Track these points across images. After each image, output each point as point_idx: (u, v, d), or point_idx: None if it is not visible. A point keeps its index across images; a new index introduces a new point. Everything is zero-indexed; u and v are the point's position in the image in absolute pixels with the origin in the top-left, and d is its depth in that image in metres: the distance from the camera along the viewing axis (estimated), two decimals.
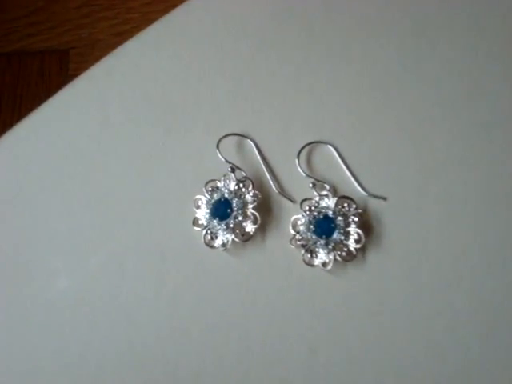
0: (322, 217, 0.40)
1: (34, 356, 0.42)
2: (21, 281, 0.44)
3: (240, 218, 0.41)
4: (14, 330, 0.43)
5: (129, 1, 0.64)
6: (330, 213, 0.40)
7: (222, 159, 0.43)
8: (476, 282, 0.39)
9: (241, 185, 0.42)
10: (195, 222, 0.43)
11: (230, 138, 0.44)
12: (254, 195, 0.42)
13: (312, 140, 0.43)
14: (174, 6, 0.50)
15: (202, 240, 0.42)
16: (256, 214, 0.41)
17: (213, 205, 0.42)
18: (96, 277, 0.43)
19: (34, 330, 0.43)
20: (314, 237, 0.40)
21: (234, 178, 0.42)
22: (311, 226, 0.40)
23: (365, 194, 0.41)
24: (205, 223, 0.42)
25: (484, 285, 0.38)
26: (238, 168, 0.43)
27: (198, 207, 0.43)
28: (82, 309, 0.43)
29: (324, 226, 0.40)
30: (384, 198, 0.41)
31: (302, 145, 0.43)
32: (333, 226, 0.40)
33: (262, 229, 0.42)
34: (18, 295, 0.44)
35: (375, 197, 0.41)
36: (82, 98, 0.47)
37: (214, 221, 0.42)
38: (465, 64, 0.42)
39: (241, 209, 0.41)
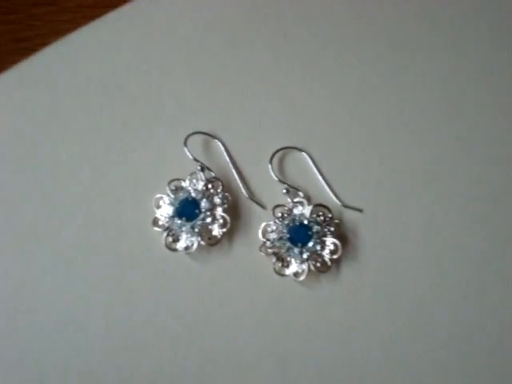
0: (297, 224, 0.38)
1: None
2: None
3: (208, 220, 0.38)
4: None
5: (33, 7, 0.60)
6: (306, 221, 0.38)
7: (190, 157, 0.40)
8: (453, 296, 0.37)
9: (209, 185, 0.39)
10: (155, 222, 0.39)
11: (196, 137, 0.41)
12: (224, 197, 0.39)
13: (283, 145, 0.40)
14: (84, 16, 0.47)
15: (163, 242, 0.38)
16: (226, 216, 0.38)
17: (179, 204, 0.38)
18: (38, 277, 0.38)
19: None
20: (287, 244, 0.37)
21: (202, 177, 0.39)
22: (285, 233, 0.38)
23: (340, 204, 0.39)
24: (166, 224, 0.38)
25: (462, 299, 0.37)
26: (207, 168, 0.39)
27: (159, 207, 0.39)
28: (20, 313, 0.38)
29: (300, 234, 0.38)
30: (360, 210, 0.39)
31: (272, 149, 0.40)
32: (309, 233, 0.37)
33: (230, 234, 0.39)
34: None
35: (351, 208, 0.39)
36: (27, 83, 0.43)
37: (178, 221, 0.38)
38: (443, 76, 0.41)
39: (209, 210, 0.38)
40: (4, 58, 0.57)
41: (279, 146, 0.40)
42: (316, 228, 0.38)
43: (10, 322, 0.38)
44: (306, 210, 0.38)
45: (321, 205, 0.39)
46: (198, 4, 0.44)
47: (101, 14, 0.45)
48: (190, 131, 0.41)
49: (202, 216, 0.38)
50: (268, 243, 0.38)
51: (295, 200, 0.39)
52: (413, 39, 0.42)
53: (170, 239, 0.38)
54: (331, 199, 0.39)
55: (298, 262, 0.37)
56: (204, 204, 0.38)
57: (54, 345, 0.37)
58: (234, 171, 0.40)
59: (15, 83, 0.43)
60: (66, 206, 0.40)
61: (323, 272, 0.37)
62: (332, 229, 0.38)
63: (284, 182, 0.39)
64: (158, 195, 0.39)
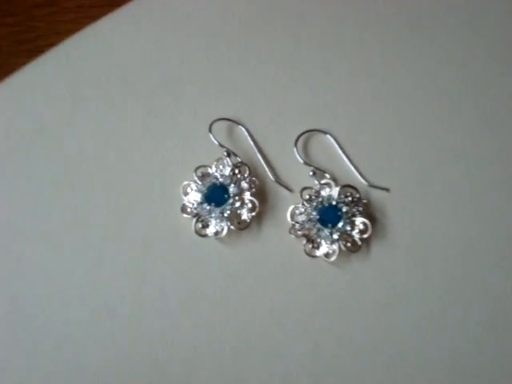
0: (326, 205, 0.38)
1: (3, 355, 0.37)
2: None
3: (237, 205, 0.38)
4: None
5: (33, 9, 0.60)
6: (334, 202, 0.38)
7: (216, 143, 0.40)
8: (483, 271, 0.38)
9: (236, 170, 0.39)
10: (184, 208, 0.39)
11: (219, 124, 0.41)
12: (251, 181, 0.39)
13: (307, 128, 0.40)
14: (86, 16, 0.47)
15: (192, 228, 0.38)
16: (254, 200, 0.38)
17: (207, 189, 0.38)
18: (70, 268, 0.39)
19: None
20: (317, 226, 0.38)
21: (229, 162, 0.39)
22: (314, 215, 0.38)
23: (367, 184, 0.39)
24: (195, 210, 0.39)
25: (492, 274, 0.37)
26: (233, 153, 0.40)
27: (187, 194, 0.39)
28: (54, 303, 0.38)
29: (330, 214, 0.38)
30: (387, 189, 0.39)
31: (295, 133, 0.40)
32: (339, 214, 0.38)
33: (258, 218, 0.39)
34: None
35: (378, 188, 0.39)
36: (49, 75, 0.43)
37: (207, 207, 0.38)
38: (465, 54, 0.41)
39: (237, 195, 0.38)
40: (7, 61, 0.57)
41: (302, 130, 0.40)
42: (345, 208, 0.38)
43: (45, 313, 0.38)
44: (334, 192, 0.38)
45: (348, 185, 0.39)
46: None
47: (102, 13, 0.45)
48: (213, 118, 0.41)
49: (230, 201, 0.38)
50: (297, 225, 0.38)
51: (322, 182, 0.39)
52: (435, 18, 0.42)
53: (200, 225, 0.38)
54: (357, 180, 0.39)
55: (328, 242, 0.38)
56: (232, 189, 0.38)
57: (89, 333, 0.38)
58: (259, 156, 0.40)
59: (36, 78, 0.43)
60: (94, 197, 0.40)
61: (354, 252, 0.38)
62: (360, 209, 0.38)
63: (310, 165, 0.39)
64: (186, 182, 0.39)
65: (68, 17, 0.58)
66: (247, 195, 0.38)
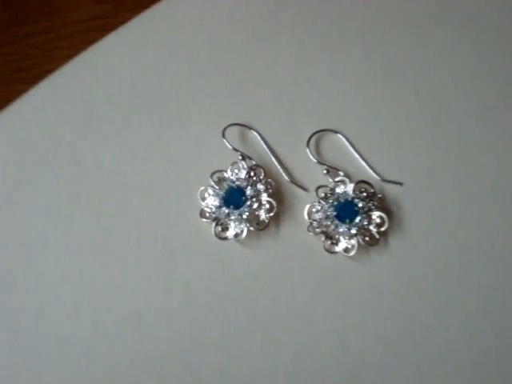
0: (343, 201, 0.39)
1: (34, 366, 0.38)
2: (9, 288, 0.39)
3: (255, 206, 0.39)
4: (8, 343, 0.38)
5: (29, 37, 0.61)
6: (350, 198, 0.39)
7: (230, 147, 0.41)
8: (500, 260, 0.38)
9: (252, 173, 0.40)
10: (202, 213, 0.40)
11: (231, 130, 0.42)
12: (267, 183, 0.40)
13: (317, 128, 0.41)
14: (82, 41, 0.48)
15: (212, 232, 0.39)
16: (272, 201, 0.39)
17: (225, 193, 0.39)
18: (95, 278, 0.39)
19: (29, 341, 0.38)
20: (335, 222, 0.38)
21: (244, 165, 0.40)
22: (331, 212, 0.38)
23: (380, 180, 0.40)
24: (213, 214, 0.39)
25: (509, 262, 0.38)
26: (248, 156, 0.40)
27: (204, 199, 0.40)
28: (81, 313, 0.39)
29: (347, 210, 0.38)
30: (400, 183, 0.40)
31: (306, 134, 0.41)
32: (356, 209, 0.38)
33: (276, 218, 0.40)
34: (6, 304, 0.39)
35: (391, 182, 0.40)
36: (60, 93, 0.44)
37: (226, 210, 0.39)
38: (471, 48, 0.42)
39: (255, 197, 0.39)
40: (8, 88, 0.58)
41: (313, 131, 0.41)
42: (361, 204, 0.38)
43: (72, 322, 0.38)
44: (349, 188, 0.39)
45: (362, 181, 0.39)
46: (220, 3, 0.45)
47: (97, 38, 0.46)
48: (225, 125, 0.41)
49: (248, 203, 0.39)
50: (315, 223, 0.39)
51: (336, 179, 0.40)
52: (439, 15, 0.43)
53: (220, 228, 0.39)
54: (370, 176, 0.40)
55: (346, 238, 0.38)
56: (249, 191, 0.39)
57: (116, 340, 0.38)
58: (272, 158, 0.41)
59: (48, 97, 0.44)
60: (113, 209, 0.41)
61: (372, 245, 0.38)
62: (376, 203, 0.39)
63: (323, 164, 0.40)
64: (203, 187, 0.40)
65: (64, 43, 0.59)
66: (264, 196, 0.39)
